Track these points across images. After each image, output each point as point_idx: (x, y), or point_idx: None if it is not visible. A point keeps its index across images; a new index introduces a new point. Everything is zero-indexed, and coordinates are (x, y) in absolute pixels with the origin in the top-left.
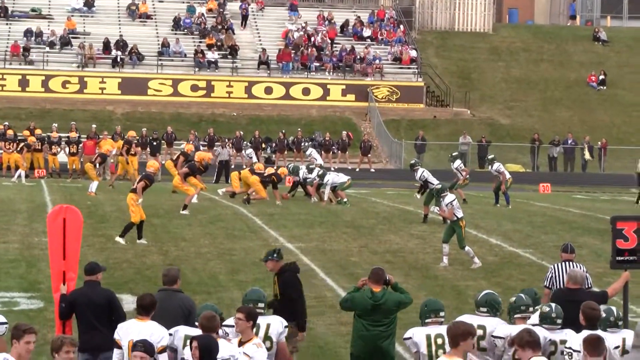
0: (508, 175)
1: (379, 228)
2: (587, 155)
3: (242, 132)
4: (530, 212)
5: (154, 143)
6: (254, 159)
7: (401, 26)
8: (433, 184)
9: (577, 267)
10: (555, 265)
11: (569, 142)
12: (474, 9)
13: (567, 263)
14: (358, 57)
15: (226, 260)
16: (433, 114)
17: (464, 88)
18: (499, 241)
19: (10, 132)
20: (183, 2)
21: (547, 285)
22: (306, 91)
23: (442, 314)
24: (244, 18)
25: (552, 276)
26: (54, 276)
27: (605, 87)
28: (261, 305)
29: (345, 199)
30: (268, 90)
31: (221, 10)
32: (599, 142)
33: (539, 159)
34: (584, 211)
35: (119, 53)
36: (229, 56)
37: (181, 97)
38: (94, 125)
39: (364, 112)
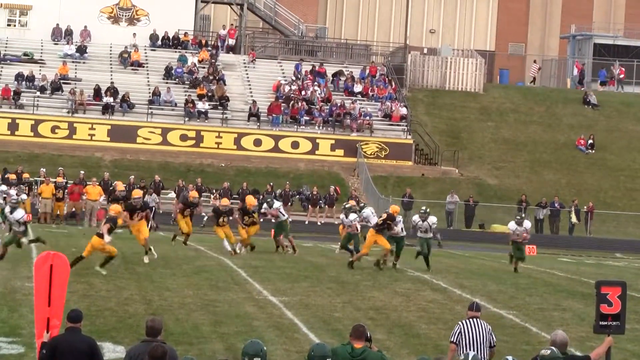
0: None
1: (363, 284)
2: (573, 219)
3: (229, 183)
4: (515, 274)
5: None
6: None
7: (392, 83)
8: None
9: (482, 324)
10: (462, 322)
11: (556, 204)
12: (465, 69)
13: (473, 320)
14: (348, 112)
15: (210, 311)
16: (421, 171)
17: (453, 147)
18: (483, 301)
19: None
20: (175, 52)
21: (454, 340)
22: (295, 144)
23: None
24: None
25: (459, 331)
26: (38, 322)
27: (593, 151)
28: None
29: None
30: (257, 143)
31: (213, 60)
32: (586, 206)
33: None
34: (569, 274)
35: (110, 100)
36: (219, 107)
37: (170, 146)
38: (82, 171)
39: (352, 168)
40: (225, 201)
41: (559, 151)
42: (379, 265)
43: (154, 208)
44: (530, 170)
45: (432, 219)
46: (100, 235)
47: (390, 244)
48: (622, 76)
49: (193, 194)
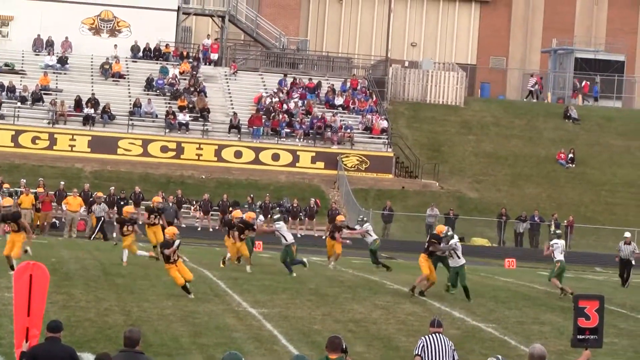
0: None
1: (343, 297)
2: (553, 227)
3: (209, 195)
4: (494, 287)
5: (122, 202)
6: None
7: (373, 96)
8: None
9: (445, 340)
10: (425, 337)
11: (536, 218)
12: (447, 82)
13: (435, 335)
14: (329, 125)
15: (189, 322)
16: (402, 184)
17: (434, 160)
18: (462, 315)
19: None
20: (156, 63)
21: (418, 352)
22: (276, 157)
23: None
24: None
25: (422, 345)
26: (17, 332)
27: (574, 165)
28: None
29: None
30: (238, 154)
31: (194, 72)
32: (566, 220)
33: (505, 234)
34: (548, 288)
35: (91, 111)
36: (200, 118)
37: (151, 158)
38: (62, 182)
39: (332, 180)
40: (129, 209)
41: (540, 165)
42: (413, 291)
43: (102, 218)
44: (511, 183)
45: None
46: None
47: (450, 274)
48: (588, 90)
49: (156, 199)
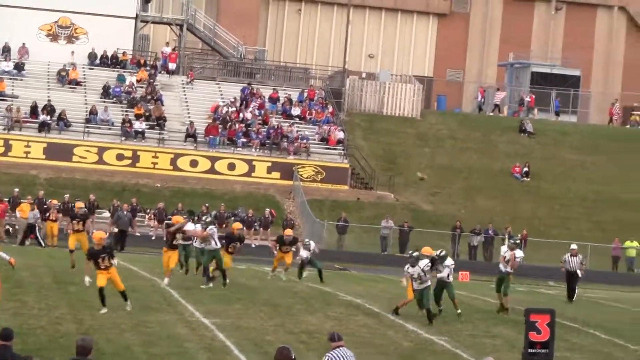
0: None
1: (296, 308)
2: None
3: (164, 204)
4: (448, 299)
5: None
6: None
7: (330, 107)
8: None
9: (348, 353)
10: (330, 353)
11: (490, 231)
12: (403, 94)
13: (339, 350)
14: (286, 135)
15: (141, 332)
16: (357, 196)
17: (389, 172)
18: (415, 327)
19: None
20: (113, 71)
21: None
22: (232, 166)
23: None
24: None
25: None
26: None
27: (528, 179)
28: None
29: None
30: (194, 164)
31: (151, 80)
32: (520, 233)
33: (459, 247)
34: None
35: (46, 118)
36: (156, 127)
37: (106, 166)
38: (16, 189)
39: (288, 191)
40: (80, 204)
41: (495, 178)
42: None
43: (36, 225)
44: (465, 196)
45: (423, 263)
46: None
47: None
48: (531, 104)
49: (78, 204)
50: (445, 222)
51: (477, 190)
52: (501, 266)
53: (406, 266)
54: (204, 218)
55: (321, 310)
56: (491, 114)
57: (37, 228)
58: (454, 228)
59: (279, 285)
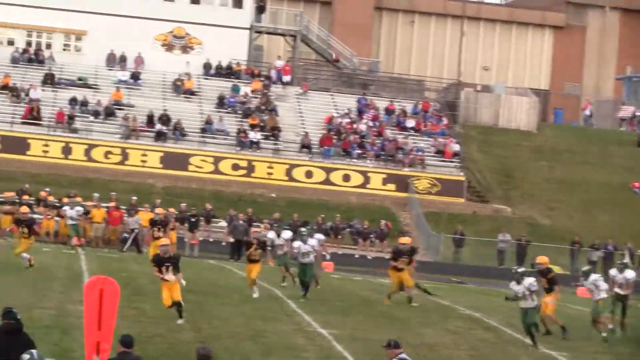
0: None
1: (414, 320)
2: (626, 259)
3: (279, 214)
4: (568, 316)
5: (192, 219)
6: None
7: (444, 119)
8: None
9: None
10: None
11: (609, 247)
12: (519, 107)
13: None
14: (401, 147)
15: (259, 342)
16: (473, 209)
17: (505, 185)
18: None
19: (51, 199)
20: (228, 81)
21: None
22: (346, 177)
23: None
24: None
25: None
26: (88, 346)
27: None
28: None
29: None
30: (308, 174)
31: (265, 91)
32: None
33: (578, 262)
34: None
35: (162, 127)
36: (271, 137)
37: (222, 175)
38: (134, 197)
39: (403, 203)
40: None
41: (613, 193)
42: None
43: (136, 230)
44: (584, 211)
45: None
46: None
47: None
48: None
49: (23, 209)
50: (563, 237)
51: (595, 204)
52: (616, 289)
53: (511, 283)
54: (302, 229)
55: (439, 324)
56: (622, 129)
57: (137, 234)
58: (572, 242)
59: (396, 297)
